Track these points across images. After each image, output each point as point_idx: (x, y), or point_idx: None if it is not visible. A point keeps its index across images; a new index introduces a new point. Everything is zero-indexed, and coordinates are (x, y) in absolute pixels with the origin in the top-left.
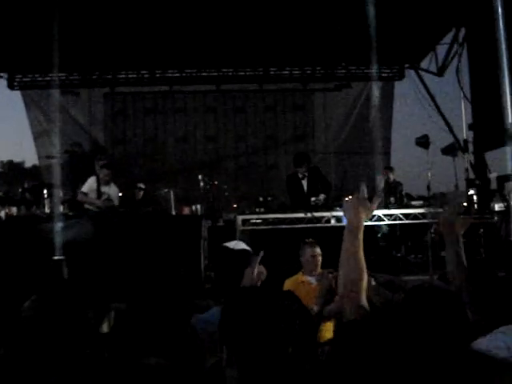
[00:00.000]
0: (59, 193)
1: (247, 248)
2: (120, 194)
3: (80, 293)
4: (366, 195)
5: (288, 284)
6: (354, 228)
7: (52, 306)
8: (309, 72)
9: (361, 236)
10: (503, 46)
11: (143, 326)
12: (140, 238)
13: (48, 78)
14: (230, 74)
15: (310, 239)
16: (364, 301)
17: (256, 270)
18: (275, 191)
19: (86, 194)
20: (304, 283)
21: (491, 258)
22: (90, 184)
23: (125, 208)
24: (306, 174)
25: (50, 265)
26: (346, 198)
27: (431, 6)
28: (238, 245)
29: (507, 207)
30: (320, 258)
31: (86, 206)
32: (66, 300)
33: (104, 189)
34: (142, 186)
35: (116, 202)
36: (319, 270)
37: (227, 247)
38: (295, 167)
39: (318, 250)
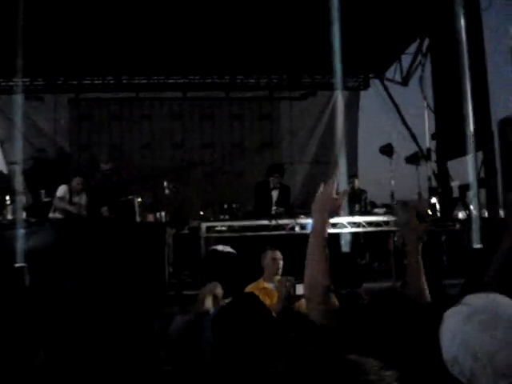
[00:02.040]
0: (22, 199)
1: (233, 251)
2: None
3: (40, 300)
4: (332, 191)
5: (249, 290)
6: (320, 226)
7: (11, 314)
8: (275, 80)
9: (326, 235)
10: (465, 57)
11: (104, 331)
12: (103, 245)
13: (11, 83)
14: (197, 81)
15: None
16: (332, 302)
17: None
18: (241, 199)
19: (62, 199)
20: (265, 289)
21: (453, 266)
22: (63, 191)
23: (88, 214)
24: (278, 186)
25: (11, 272)
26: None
27: (396, 16)
28: (225, 248)
29: (469, 215)
30: (281, 262)
31: (51, 213)
32: (27, 307)
33: (75, 198)
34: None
35: (84, 212)
36: (279, 275)
37: (216, 250)
38: (268, 175)
39: (279, 254)
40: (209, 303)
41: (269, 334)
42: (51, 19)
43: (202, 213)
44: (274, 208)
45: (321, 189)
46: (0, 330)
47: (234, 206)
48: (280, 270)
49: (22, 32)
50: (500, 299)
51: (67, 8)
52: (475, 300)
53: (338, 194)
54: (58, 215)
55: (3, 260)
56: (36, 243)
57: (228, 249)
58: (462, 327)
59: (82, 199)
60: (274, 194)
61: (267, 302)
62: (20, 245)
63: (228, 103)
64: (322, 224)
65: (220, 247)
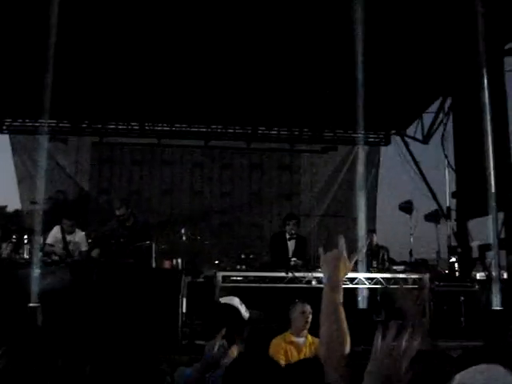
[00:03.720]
0: (39, 239)
1: (235, 305)
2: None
3: (53, 340)
4: (344, 250)
5: (276, 343)
6: (332, 285)
7: (23, 356)
8: (296, 133)
9: (340, 293)
10: (488, 116)
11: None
12: (118, 289)
13: (37, 124)
14: (219, 130)
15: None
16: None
17: (217, 345)
18: (257, 249)
19: (52, 246)
20: (293, 343)
21: (471, 327)
22: (54, 234)
23: (105, 258)
24: (294, 236)
25: (25, 312)
26: (324, 254)
27: (419, 75)
28: (231, 300)
29: (488, 276)
30: (310, 317)
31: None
32: (37, 348)
33: (69, 237)
34: None
35: (84, 247)
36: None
37: (217, 302)
38: (284, 224)
39: (309, 308)
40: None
41: None
42: (80, 64)
43: (217, 262)
44: (292, 259)
45: (340, 242)
46: (12, 369)
47: (251, 256)
48: (308, 325)
49: (51, 74)
50: (493, 372)
51: (97, 54)
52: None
53: (351, 254)
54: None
55: (17, 299)
56: (51, 284)
57: (234, 301)
58: None
59: (76, 237)
60: (291, 244)
61: (295, 355)
62: (34, 285)
63: (248, 153)
64: (335, 282)
65: (227, 298)
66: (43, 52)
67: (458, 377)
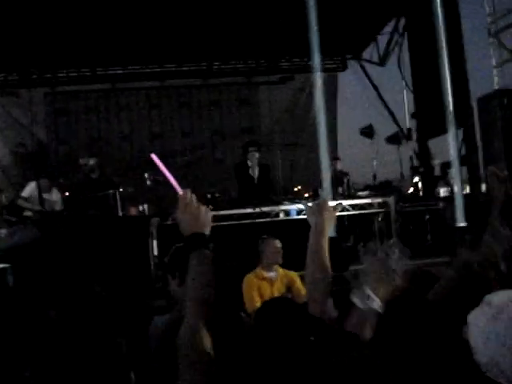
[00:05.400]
0: (2, 197)
1: None
2: (67, 194)
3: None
4: (328, 200)
5: (249, 280)
6: (318, 230)
7: None
8: (253, 65)
9: (325, 238)
10: (442, 35)
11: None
12: (87, 241)
13: None
14: (174, 69)
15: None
16: (330, 305)
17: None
18: (223, 186)
19: (26, 200)
20: (266, 279)
21: (437, 244)
22: (30, 190)
23: (69, 211)
24: (257, 164)
25: None
26: (309, 204)
27: None
28: None
29: (451, 193)
30: (281, 252)
31: (26, 212)
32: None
33: (45, 196)
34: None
35: (59, 207)
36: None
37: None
38: (244, 153)
39: (279, 244)
40: None
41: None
42: (23, 13)
43: None
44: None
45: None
46: None
47: (216, 195)
48: (281, 260)
49: None
50: None
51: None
52: (496, 298)
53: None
54: (29, 213)
55: None
56: (18, 242)
57: None
58: (492, 327)
59: (53, 196)
60: (255, 172)
61: (267, 291)
62: (2, 245)
63: (206, 90)
64: (321, 229)
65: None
66: None
67: (490, 298)
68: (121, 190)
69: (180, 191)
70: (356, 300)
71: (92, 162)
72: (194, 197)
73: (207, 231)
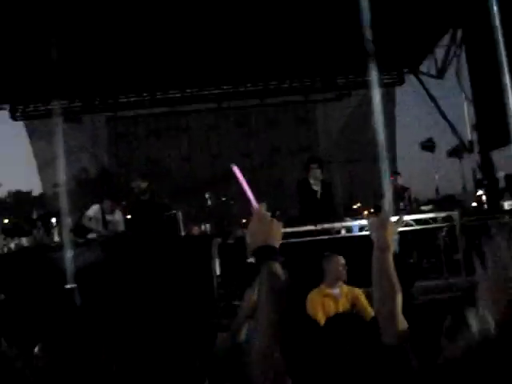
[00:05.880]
0: (68, 221)
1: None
2: (128, 216)
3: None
4: (390, 214)
5: (313, 297)
6: (382, 246)
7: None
8: (309, 83)
9: (390, 255)
10: (501, 45)
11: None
12: (150, 261)
13: (50, 107)
14: (231, 90)
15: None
16: (401, 319)
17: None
18: (283, 205)
19: (90, 219)
20: (329, 295)
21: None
22: (94, 211)
23: (132, 231)
24: (319, 180)
25: (62, 294)
26: (371, 219)
27: (427, 9)
28: None
29: None
30: (346, 268)
31: (91, 234)
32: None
33: (109, 217)
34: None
35: (122, 228)
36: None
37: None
38: (306, 169)
39: (343, 260)
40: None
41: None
42: (84, 42)
43: (244, 221)
44: None
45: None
46: (57, 352)
47: (277, 213)
48: (345, 276)
49: (57, 56)
50: None
51: (98, 29)
52: None
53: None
54: (94, 235)
55: (54, 282)
56: (84, 264)
57: None
58: None
59: (116, 217)
60: (317, 188)
61: (332, 307)
62: (69, 266)
63: (263, 110)
64: (385, 244)
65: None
66: (47, 32)
67: None
68: (173, 211)
69: (255, 205)
70: (472, 321)
71: (143, 185)
72: (267, 212)
73: (277, 245)
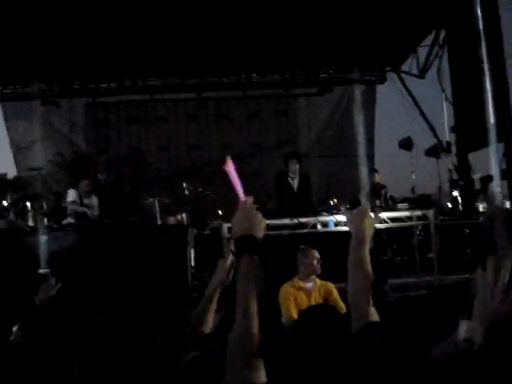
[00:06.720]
0: (43, 205)
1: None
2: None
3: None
4: (368, 207)
5: (286, 289)
6: (359, 239)
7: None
8: (291, 77)
9: (367, 247)
10: (483, 47)
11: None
12: (126, 248)
13: (28, 89)
14: (212, 81)
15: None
16: (373, 312)
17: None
18: (260, 197)
19: (74, 202)
20: (302, 289)
21: (477, 259)
22: (72, 196)
23: (109, 218)
24: (297, 174)
25: (35, 278)
26: (350, 211)
27: (410, 9)
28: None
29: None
30: (320, 262)
31: (69, 218)
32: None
33: (86, 200)
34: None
35: (97, 212)
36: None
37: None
38: (285, 163)
39: (318, 254)
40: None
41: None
42: (66, 25)
43: (221, 213)
44: None
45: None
46: (28, 336)
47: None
48: (319, 271)
49: (37, 38)
50: None
51: (82, 14)
52: None
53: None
54: (71, 220)
55: (27, 267)
56: (59, 249)
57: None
58: None
59: (93, 201)
60: (295, 183)
61: (304, 301)
62: (43, 251)
63: (244, 102)
64: (362, 237)
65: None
66: (29, 15)
67: None
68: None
69: (242, 197)
70: (462, 328)
71: (107, 176)
72: (253, 205)
73: (260, 236)
